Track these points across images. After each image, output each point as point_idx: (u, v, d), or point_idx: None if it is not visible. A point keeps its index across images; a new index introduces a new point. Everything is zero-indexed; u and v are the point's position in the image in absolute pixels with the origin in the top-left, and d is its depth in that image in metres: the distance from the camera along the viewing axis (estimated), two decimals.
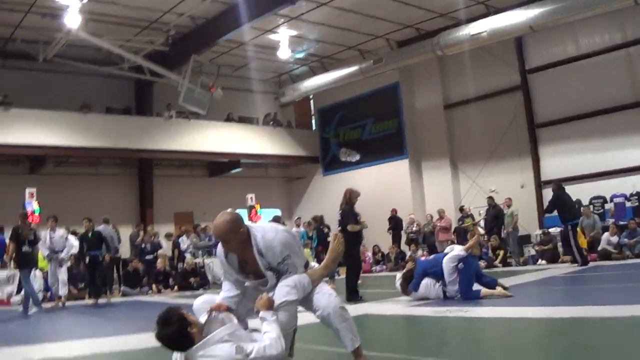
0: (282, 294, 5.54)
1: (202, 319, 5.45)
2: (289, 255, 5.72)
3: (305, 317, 5.90)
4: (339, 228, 14.39)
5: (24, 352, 8.40)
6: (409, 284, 12.99)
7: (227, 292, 5.87)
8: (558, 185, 20.93)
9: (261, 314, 5.40)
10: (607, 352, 6.23)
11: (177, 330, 5.09)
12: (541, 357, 6.28)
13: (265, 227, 5.91)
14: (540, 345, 7.34)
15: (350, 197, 14.58)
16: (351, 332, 5.69)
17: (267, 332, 5.25)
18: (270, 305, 5.46)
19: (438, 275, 12.43)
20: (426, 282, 12.73)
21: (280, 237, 5.74)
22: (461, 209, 27.08)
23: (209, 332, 5.28)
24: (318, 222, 23.75)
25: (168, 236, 26.80)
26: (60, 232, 17.89)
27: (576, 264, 19.32)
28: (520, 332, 8.33)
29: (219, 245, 5.89)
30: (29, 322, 14.57)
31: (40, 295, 19.82)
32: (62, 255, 18.00)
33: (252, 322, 5.65)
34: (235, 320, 5.50)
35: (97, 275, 18.97)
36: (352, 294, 13.62)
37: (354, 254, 14.32)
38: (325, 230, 23.38)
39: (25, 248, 17.03)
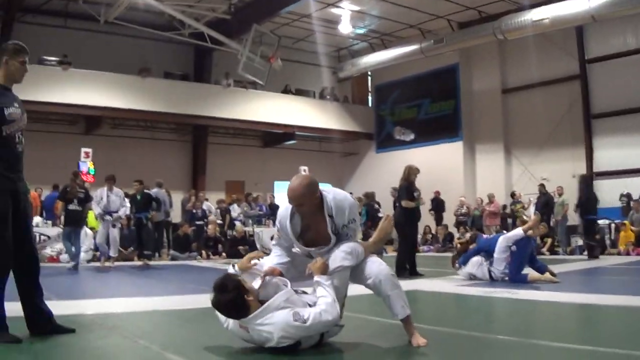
0: (338, 259, 5.59)
1: (256, 283, 5.52)
2: (354, 220, 5.82)
3: (353, 289, 5.95)
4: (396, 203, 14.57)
5: (76, 305, 8.54)
6: (460, 258, 13.09)
7: (278, 257, 5.94)
8: (585, 178, 21.10)
9: (316, 277, 5.46)
10: None
11: (234, 298, 5.18)
12: (587, 338, 6.28)
13: (334, 190, 5.98)
14: (586, 328, 7.44)
15: (408, 174, 14.56)
16: (402, 300, 5.69)
17: (322, 297, 5.31)
18: (325, 270, 5.52)
19: (490, 254, 12.46)
20: (476, 259, 12.78)
21: (349, 199, 5.88)
22: (512, 195, 26.98)
23: (264, 297, 5.37)
24: (369, 199, 23.75)
25: (219, 203, 26.93)
26: (119, 192, 17.91)
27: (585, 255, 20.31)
28: (566, 315, 8.39)
29: (284, 208, 5.99)
30: (79, 278, 14.76)
31: (89, 255, 20.14)
32: (119, 213, 17.88)
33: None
34: (289, 285, 5.55)
35: (142, 237, 19.13)
36: (400, 270, 13.59)
37: (406, 230, 14.34)
38: (376, 206, 23.38)
39: (73, 206, 17.23)
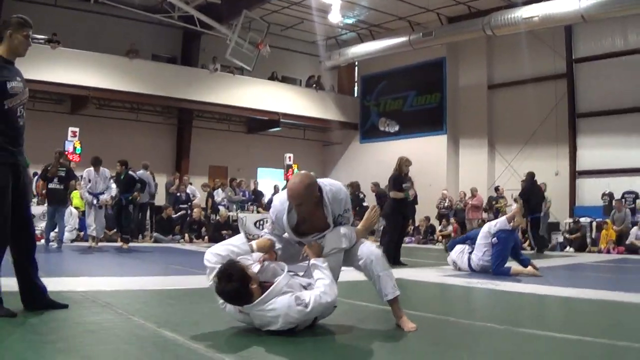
0: (333, 241, 5.72)
1: (255, 268, 5.57)
2: (348, 209, 5.97)
3: (341, 276, 6.02)
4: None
5: (65, 282, 8.58)
6: (449, 242, 13.32)
7: (271, 235, 6.09)
8: (531, 175, 21.46)
9: (313, 260, 5.57)
10: (634, 329, 6.39)
11: (238, 288, 5.23)
12: (571, 328, 6.40)
13: (330, 181, 6.08)
14: (569, 319, 7.57)
15: (399, 165, 14.76)
16: (392, 281, 5.84)
17: (320, 279, 5.42)
18: (320, 252, 5.64)
19: (474, 243, 12.63)
20: (460, 247, 12.96)
21: (343, 189, 6.01)
22: (496, 189, 27.18)
23: (263, 280, 5.46)
24: (354, 188, 23.84)
25: (204, 187, 26.99)
26: (105, 173, 17.77)
27: (533, 251, 20.86)
28: (549, 307, 8.55)
29: (279, 202, 6.03)
30: (65, 257, 14.78)
31: (74, 234, 20.17)
32: (105, 196, 17.62)
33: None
34: (286, 269, 5.63)
35: (122, 219, 19.07)
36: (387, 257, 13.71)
37: (392, 219, 14.46)
38: (361, 196, 23.47)
39: (53, 185, 17.34)
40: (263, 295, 5.24)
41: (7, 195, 5.94)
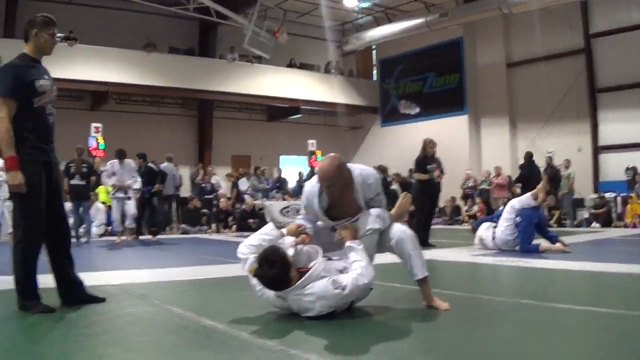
0: (368, 222, 5.78)
1: (289, 252, 5.63)
2: (379, 193, 6.03)
3: (375, 258, 6.07)
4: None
5: (99, 276, 8.62)
6: (477, 221, 13.42)
7: (305, 221, 6.15)
8: (530, 155, 21.58)
9: (348, 242, 5.60)
10: None
11: (278, 274, 5.29)
12: (601, 302, 6.44)
13: (360, 165, 6.15)
14: (599, 293, 7.63)
15: (424, 147, 14.80)
16: (421, 261, 5.88)
17: (356, 261, 5.45)
18: (355, 234, 5.69)
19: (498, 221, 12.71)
20: (487, 223, 13.05)
21: (374, 174, 6.08)
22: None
23: (297, 264, 5.52)
24: (383, 172, 23.60)
25: (229, 176, 27.07)
26: (130, 165, 17.64)
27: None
28: (579, 281, 8.59)
29: (310, 186, 6.15)
30: (94, 252, 14.88)
31: (102, 229, 20.29)
32: (131, 183, 17.47)
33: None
34: (321, 252, 5.68)
35: (147, 212, 19.03)
36: None
37: (419, 201, 14.49)
38: (389, 179, 23.37)
39: (75, 181, 17.44)
40: (300, 280, 5.29)
41: (41, 192, 6.02)
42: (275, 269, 5.26)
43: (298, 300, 5.35)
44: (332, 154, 6.03)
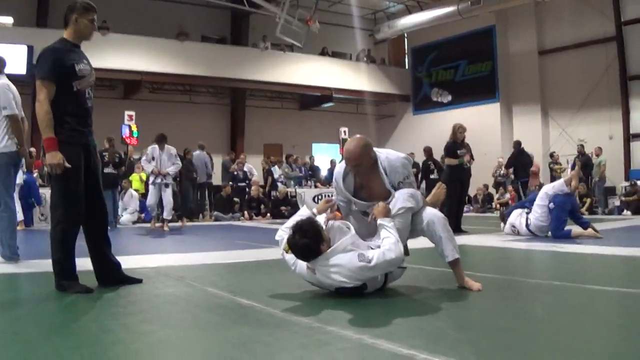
0: (400, 201, 5.81)
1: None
2: (408, 176, 6.04)
3: (409, 243, 6.19)
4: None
5: (135, 260, 8.70)
6: (508, 209, 13.48)
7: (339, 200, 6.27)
8: (518, 143, 21.72)
9: (379, 220, 5.64)
10: None
11: (309, 244, 5.35)
12: (635, 283, 6.49)
13: (387, 150, 6.19)
14: (633, 276, 7.65)
15: (454, 132, 14.79)
16: (452, 243, 5.92)
17: (386, 238, 5.48)
18: (387, 213, 5.71)
19: (532, 206, 12.74)
20: (518, 210, 13.09)
21: (401, 158, 6.07)
22: (551, 155, 27.08)
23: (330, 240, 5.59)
24: (428, 155, 23.11)
25: (267, 162, 27.17)
26: (170, 150, 17.30)
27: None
28: (613, 265, 8.57)
29: (338, 168, 6.28)
30: (128, 237, 14.98)
31: (135, 216, 20.46)
32: (170, 170, 17.01)
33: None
34: (352, 229, 5.75)
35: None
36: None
37: (449, 187, 14.47)
38: (431, 167, 23.14)
39: (109, 170, 17.79)
40: (328, 251, 5.37)
41: (80, 175, 6.11)
42: (307, 238, 5.33)
43: (324, 271, 5.41)
44: (358, 135, 6.09)
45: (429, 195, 6.56)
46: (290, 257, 5.75)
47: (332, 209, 6.07)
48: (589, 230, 12.16)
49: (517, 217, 13.11)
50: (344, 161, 6.12)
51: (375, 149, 6.03)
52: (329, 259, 5.36)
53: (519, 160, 22.20)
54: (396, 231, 5.56)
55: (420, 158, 24.33)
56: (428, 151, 23.09)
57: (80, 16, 6.29)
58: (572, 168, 23.81)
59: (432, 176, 22.02)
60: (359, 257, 5.31)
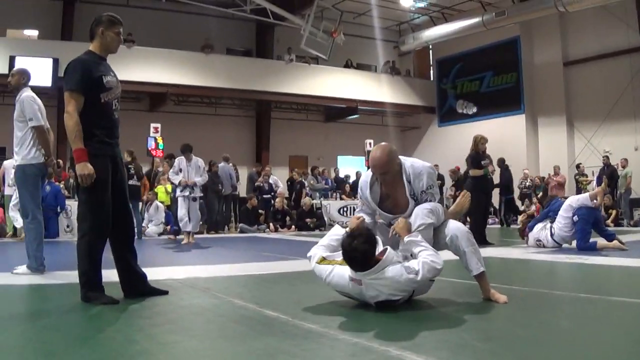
0: (420, 217, 5.79)
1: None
2: (432, 186, 6.00)
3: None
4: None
5: (161, 271, 8.71)
6: (530, 222, 13.43)
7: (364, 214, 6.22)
8: (502, 160, 23.19)
9: (406, 238, 5.62)
10: None
11: (368, 250, 5.31)
12: None
13: (412, 159, 6.20)
14: None
15: (476, 143, 14.80)
16: (476, 257, 5.88)
17: (423, 250, 5.48)
18: (409, 229, 5.71)
19: (554, 215, 12.73)
20: (542, 224, 13.05)
21: (427, 167, 6.06)
22: (577, 167, 27.03)
23: None
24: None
25: (298, 174, 27.20)
26: (198, 162, 17.03)
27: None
28: (636, 277, 8.62)
29: (364, 177, 6.30)
30: (153, 249, 15.03)
31: (160, 228, 20.56)
32: (198, 181, 16.66)
33: None
34: (380, 242, 5.68)
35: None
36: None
37: (474, 198, 14.46)
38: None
39: (133, 182, 18.05)
40: (378, 264, 5.32)
41: (108, 186, 6.15)
42: (368, 244, 5.29)
43: (373, 284, 5.37)
44: (383, 143, 6.09)
45: (453, 205, 6.52)
46: (325, 268, 5.77)
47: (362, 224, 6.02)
48: (614, 242, 12.12)
49: (540, 230, 13.09)
50: (369, 171, 6.15)
51: (401, 157, 6.05)
52: (378, 271, 5.32)
53: (505, 178, 23.11)
54: (426, 242, 5.58)
55: (444, 169, 24.39)
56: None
57: (107, 29, 6.36)
58: (598, 180, 23.77)
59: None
60: (406, 269, 5.33)
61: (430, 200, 5.99)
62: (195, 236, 17.16)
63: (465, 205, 6.61)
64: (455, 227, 5.94)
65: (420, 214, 5.80)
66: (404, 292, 5.39)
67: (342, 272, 5.60)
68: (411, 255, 5.58)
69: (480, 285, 6.02)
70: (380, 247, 5.59)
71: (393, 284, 5.30)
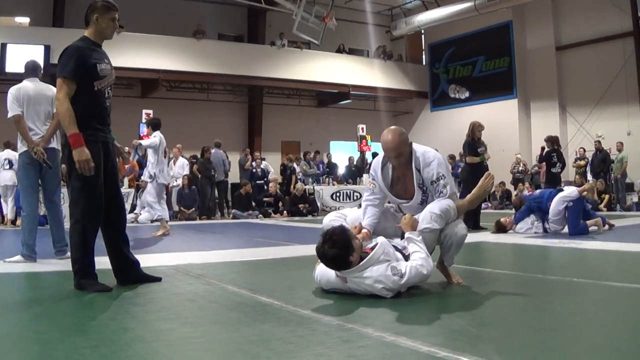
0: (426, 220, 5.79)
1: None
2: (444, 176, 5.95)
3: None
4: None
5: (153, 258, 8.75)
6: (514, 216, 13.41)
7: (370, 217, 6.17)
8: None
9: (407, 234, 5.66)
10: None
11: (338, 254, 5.30)
12: None
13: (425, 147, 6.16)
14: None
15: (472, 130, 14.86)
16: (455, 254, 6.13)
17: (416, 252, 5.50)
18: (414, 226, 5.72)
19: (543, 212, 12.72)
20: (530, 220, 13.06)
21: (438, 157, 6.04)
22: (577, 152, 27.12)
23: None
24: (554, 143, 20.42)
25: (289, 160, 27.14)
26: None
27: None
28: (630, 261, 8.63)
29: (376, 159, 6.31)
30: (147, 236, 14.99)
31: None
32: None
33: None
34: (381, 238, 5.69)
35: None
36: (464, 222, 13.75)
37: (470, 185, 14.47)
38: (554, 158, 20.66)
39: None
40: (360, 264, 5.32)
41: (100, 172, 6.12)
42: (336, 249, 5.28)
43: (357, 282, 5.38)
44: (393, 127, 6.06)
45: (475, 188, 6.41)
46: (316, 272, 5.84)
47: (363, 234, 5.97)
48: (598, 219, 12.77)
49: (527, 230, 13.08)
50: (380, 155, 6.21)
51: (414, 144, 6.05)
52: (362, 269, 5.32)
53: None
54: (424, 245, 5.59)
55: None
56: (554, 141, 19.40)
57: (102, 15, 6.32)
58: (591, 167, 23.78)
59: (553, 170, 19.13)
60: (392, 270, 5.31)
61: (442, 193, 5.94)
62: (188, 222, 17.07)
63: (488, 187, 6.47)
64: (454, 232, 5.96)
65: (429, 217, 5.79)
66: (391, 291, 5.34)
67: (327, 269, 5.63)
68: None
69: (445, 273, 6.23)
70: (372, 242, 5.62)
71: (377, 284, 5.29)
